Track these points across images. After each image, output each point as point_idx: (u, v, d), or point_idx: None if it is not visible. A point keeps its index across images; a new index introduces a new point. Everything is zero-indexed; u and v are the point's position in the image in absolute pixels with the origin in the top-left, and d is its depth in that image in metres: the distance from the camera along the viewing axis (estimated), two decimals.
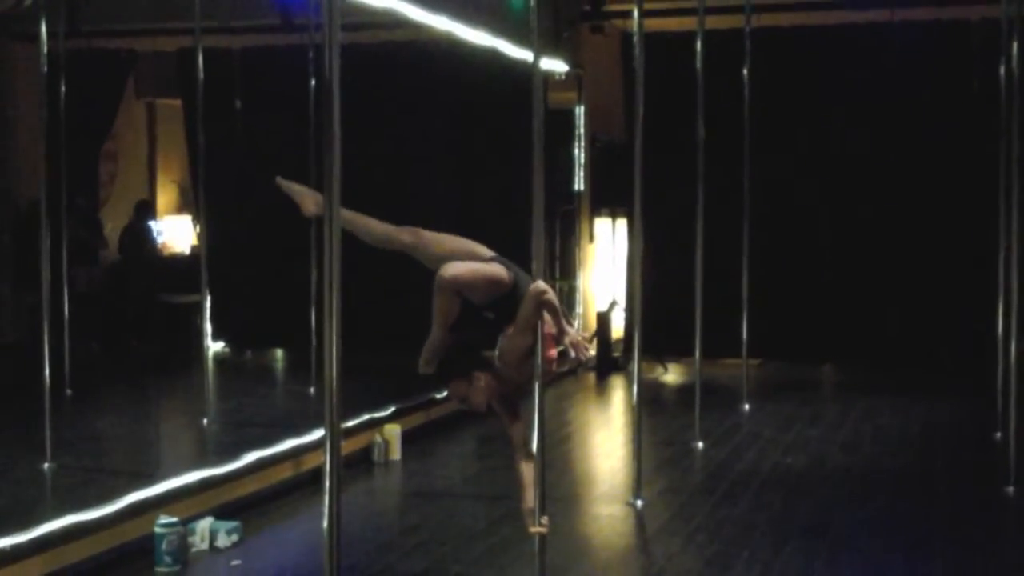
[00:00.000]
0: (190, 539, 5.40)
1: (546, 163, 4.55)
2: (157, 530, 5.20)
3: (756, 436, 8.10)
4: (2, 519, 5.03)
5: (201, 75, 7.80)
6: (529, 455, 4.60)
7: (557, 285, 11.21)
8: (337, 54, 3.16)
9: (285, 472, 6.52)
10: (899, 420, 8.69)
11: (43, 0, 6.94)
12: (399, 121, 10.83)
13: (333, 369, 3.15)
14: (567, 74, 10.96)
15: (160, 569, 5.17)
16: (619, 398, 10.19)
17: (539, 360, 4.43)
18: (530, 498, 4.56)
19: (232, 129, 11.05)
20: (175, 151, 13.11)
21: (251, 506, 6.15)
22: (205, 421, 7.62)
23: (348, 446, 6.78)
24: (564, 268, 11.83)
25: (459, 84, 10.53)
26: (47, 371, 6.47)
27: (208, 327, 7.98)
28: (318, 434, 6.34)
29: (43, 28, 6.82)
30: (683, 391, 9.87)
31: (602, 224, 11.74)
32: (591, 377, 10.76)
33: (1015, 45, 6.87)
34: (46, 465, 6.24)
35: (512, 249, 4.68)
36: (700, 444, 7.70)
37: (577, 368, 10.25)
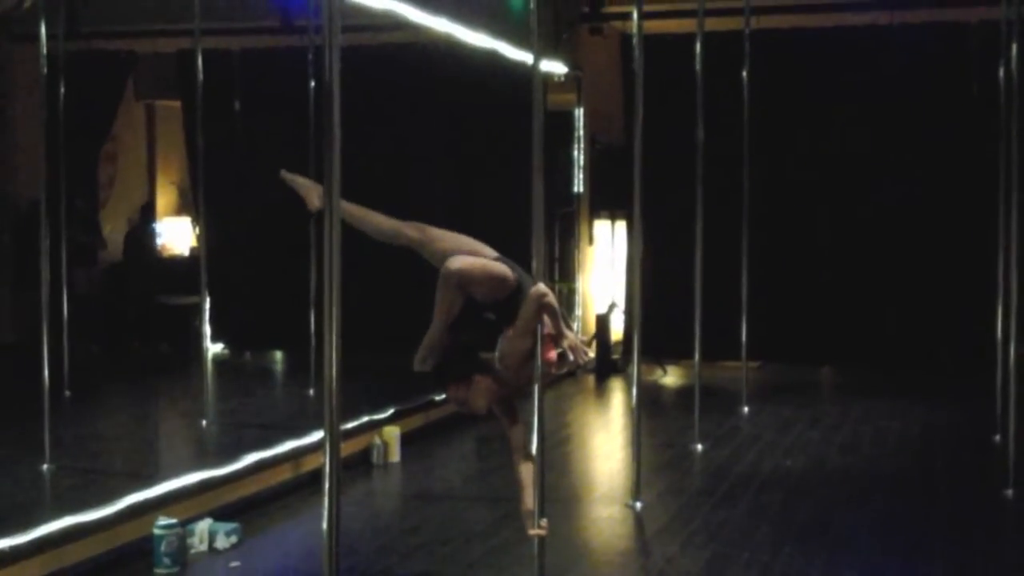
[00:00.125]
0: (189, 540, 5.40)
1: (545, 165, 4.55)
2: (156, 531, 5.20)
3: (755, 438, 8.10)
4: (1, 520, 5.02)
5: (201, 76, 7.80)
6: (528, 457, 4.60)
7: (556, 287, 11.21)
8: (337, 56, 3.16)
9: (284, 474, 6.52)
10: (898, 422, 8.69)
11: (43, 1, 6.94)
12: (398, 123, 10.83)
13: (333, 370, 3.15)
14: (566, 76, 10.96)
15: (159, 570, 5.17)
16: (618, 400, 10.19)
17: (539, 362, 4.43)
18: (529, 500, 4.56)
19: (231, 131, 11.06)
20: (174, 152, 13.10)
21: (250, 507, 6.14)
22: (204, 422, 7.62)
23: (347, 448, 6.78)
24: (563, 270, 11.83)
25: (458, 86, 10.52)
26: (46, 372, 6.47)
27: (207, 328, 7.98)
28: (317, 436, 6.34)
29: (43, 29, 6.83)
30: (682, 393, 9.87)
31: (601, 226, 11.74)
32: (590, 379, 10.76)
33: (1014, 47, 6.87)
34: (45, 466, 6.24)
35: (511, 251, 4.68)
36: (699, 446, 7.70)
37: (576, 370, 10.25)
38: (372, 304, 9.47)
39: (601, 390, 10.54)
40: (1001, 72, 7.68)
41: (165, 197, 13.66)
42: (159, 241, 12.79)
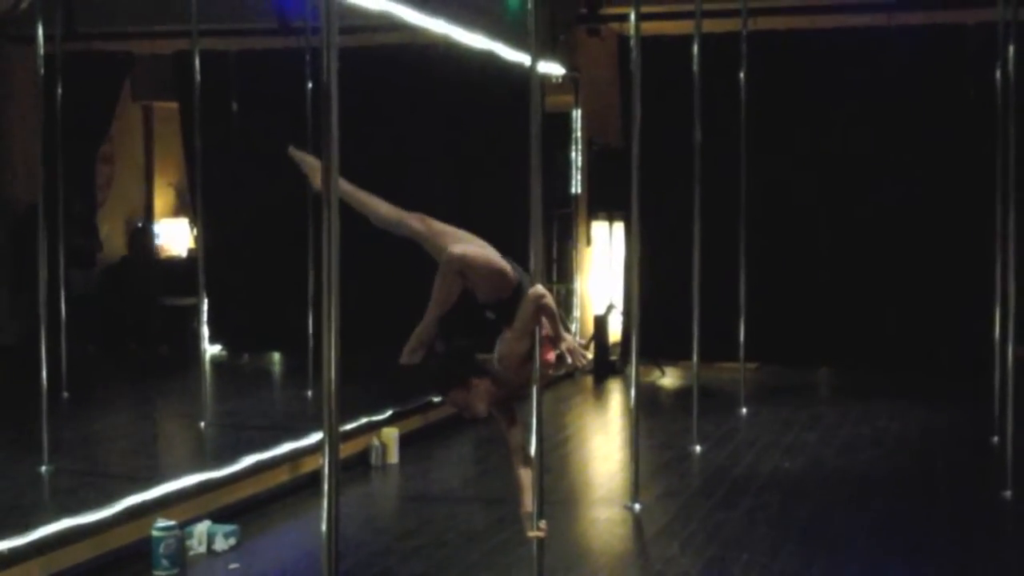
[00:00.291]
0: (187, 542, 5.39)
1: (543, 166, 4.55)
2: (154, 533, 5.19)
3: (754, 439, 8.10)
4: None
5: (198, 78, 7.79)
6: (527, 459, 4.60)
7: (554, 288, 11.21)
8: (335, 57, 3.16)
9: (283, 475, 6.51)
10: (897, 423, 8.69)
11: (40, 2, 6.93)
12: (396, 124, 10.81)
13: (331, 372, 3.15)
14: (564, 77, 10.96)
15: (157, 572, 5.16)
16: (617, 402, 10.19)
17: (537, 364, 4.43)
18: (528, 502, 4.56)
19: (229, 132, 11.04)
20: (172, 154, 13.07)
21: (249, 509, 6.14)
22: (202, 424, 7.60)
23: (346, 449, 6.78)
24: (561, 271, 11.83)
25: (456, 88, 10.52)
26: (44, 373, 6.46)
27: (205, 330, 7.97)
28: (316, 437, 6.34)
29: (40, 30, 6.81)
30: (681, 394, 9.86)
31: (599, 227, 11.74)
32: (589, 381, 10.76)
33: (1011, 49, 6.88)
34: (43, 468, 6.23)
35: (510, 252, 4.67)
36: (698, 447, 7.70)
37: (575, 371, 10.25)
38: (371, 305, 9.46)
39: (599, 391, 10.54)
40: (998, 73, 7.69)
41: (162, 198, 13.65)
42: (157, 242, 12.79)
